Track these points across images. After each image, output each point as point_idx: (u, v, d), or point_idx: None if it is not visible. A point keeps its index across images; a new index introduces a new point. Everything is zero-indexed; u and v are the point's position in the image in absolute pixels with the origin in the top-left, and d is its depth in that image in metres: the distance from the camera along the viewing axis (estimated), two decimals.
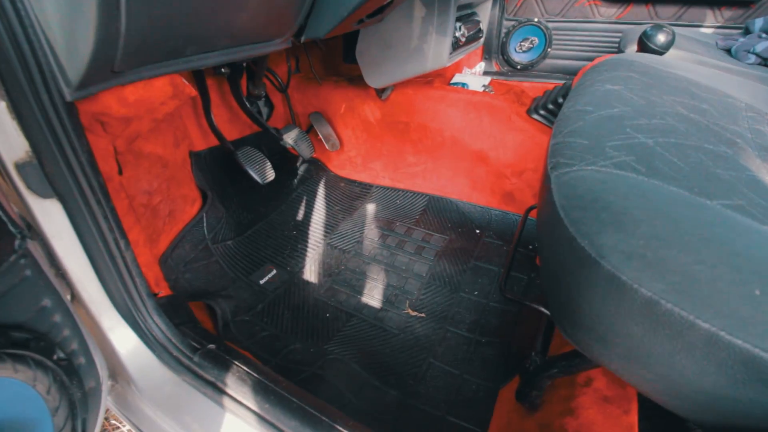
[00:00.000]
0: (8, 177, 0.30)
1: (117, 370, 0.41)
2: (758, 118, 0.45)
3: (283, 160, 0.89)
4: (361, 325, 0.64)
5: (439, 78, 0.95)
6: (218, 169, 0.77)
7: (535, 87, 1.37)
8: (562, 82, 1.27)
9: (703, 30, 1.13)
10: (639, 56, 0.52)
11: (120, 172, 0.49)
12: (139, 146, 0.56)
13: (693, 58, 0.77)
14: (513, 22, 1.35)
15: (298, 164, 0.94)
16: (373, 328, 0.63)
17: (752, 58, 0.87)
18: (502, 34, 1.38)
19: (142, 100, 0.46)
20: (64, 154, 0.31)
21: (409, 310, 0.66)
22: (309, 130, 0.96)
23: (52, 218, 0.32)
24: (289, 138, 0.79)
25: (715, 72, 0.52)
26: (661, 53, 0.71)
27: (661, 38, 0.72)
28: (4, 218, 0.25)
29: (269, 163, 0.74)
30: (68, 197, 0.32)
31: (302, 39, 0.48)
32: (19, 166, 0.30)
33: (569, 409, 0.37)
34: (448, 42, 0.69)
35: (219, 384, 0.39)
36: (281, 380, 0.40)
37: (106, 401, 0.36)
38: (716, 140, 0.35)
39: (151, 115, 0.50)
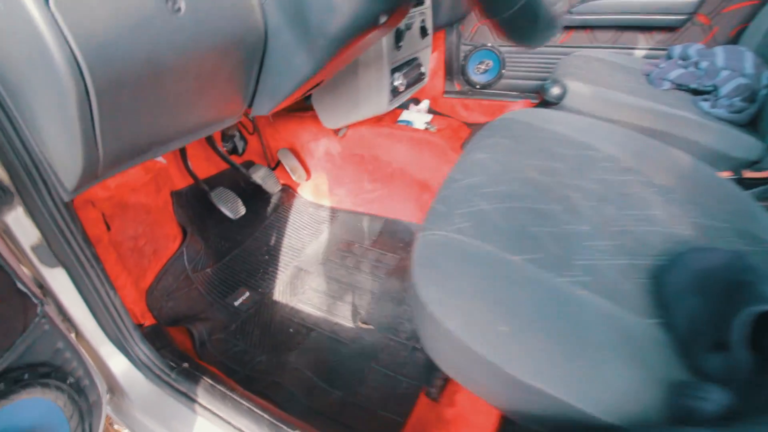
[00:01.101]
0: (26, 256, 0.42)
1: (113, 386, 0.53)
2: (612, 167, 0.56)
3: (257, 189, 1.01)
4: (318, 338, 0.76)
5: (389, 115, 1.08)
6: (197, 204, 0.89)
7: (494, 104, 1.49)
8: (518, 100, 1.39)
9: (637, 52, 1.24)
10: (523, 114, 0.64)
11: (108, 229, 0.62)
12: (125, 199, 0.68)
13: (597, 94, 0.88)
14: (470, 47, 1.46)
15: (272, 188, 1.06)
16: (328, 340, 0.76)
17: (666, 84, 0.99)
18: (461, 58, 1.50)
19: (121, 184, 0.59)
20: (64, 236, 0.43)
21: (360, 323, 0.78)
22: (278, 164, 1.08)
23: (58, 281, 0.44)
24: (257, 177, 0.92)
25: (591, 123, 0.64)
26: (555, 103, 0.83)
27: (554, 91, 0.84)
28: (29, 292, 0.37)
29: (240, 201, 0.87)
30: (69, 265, 0.44)
31: (251, 116, 0.60)
32: (34, 248, 0.42)
33: (452, 401, 0.50)
34: (385, 92, 0.81)
35: (190, 394, 0.51)
36: (238, 389, 0.53)
37: (106, 410, 0.49)
38: (549, 199, 0.47)
39: (129, 189, 0.62)
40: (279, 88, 0.54)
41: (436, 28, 1.06)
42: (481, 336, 0.36)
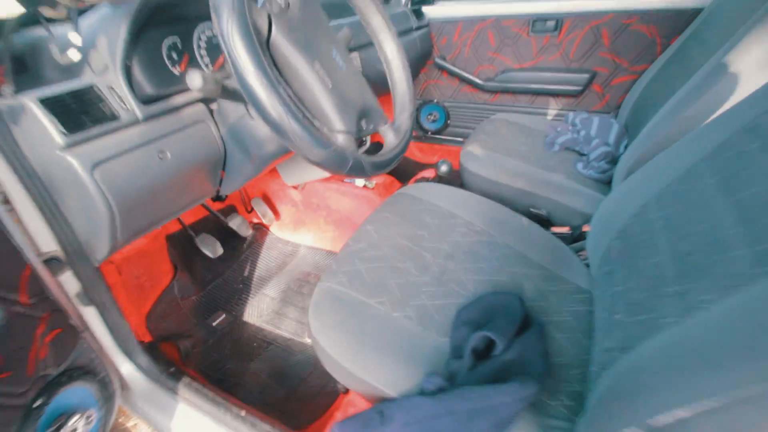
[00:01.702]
0: (71, 301, 0.68)
1: (123, 383, 0.78)
2: (466, 231, 0.81)
3: (235, 231, 1.27)
4: (275, 350, 1.01)
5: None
6: (186, 245, 1.15)
7: (443, 147, 1.76)
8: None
9: (549, 112, 1.51)
10: (413, 189, 0.89)
11: (120, 274, 0.87)
12: (131, 251, 0.94)
13: (490, 158, 1.13)
14: (420, 101, 1.74)
15: (245, 232, 1.32)
16: (282, 352, 1.01)
17: (557, 147, 1.24)
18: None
19: (132, 247, 0.84)
20: (95, 287, 0.69)
21: (307, 338, 1.04)
22: (251, 208, 1.35)
23: (91, 315, 0.70)
24: (233, 224, 1.18)
25: (462, 195, 0.89)
26: (444, 177, 1.10)
27: (443, 169, 1.10)
28: (75, 324, 0.63)
29: (218, 243, 1.12)
30: (97, 304, 0.70)
31: (222, 196, 0.86)
32: (77, 295, 0.68)
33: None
34: None
35: (176, 390, 0.76)
36: (210, 387, 0.78)
37: (119, 400, 0.74)
38: (406, 258, 0.72)
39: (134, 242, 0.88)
40: (236, 181, 0.81)
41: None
42: (344, 354, 0.61)
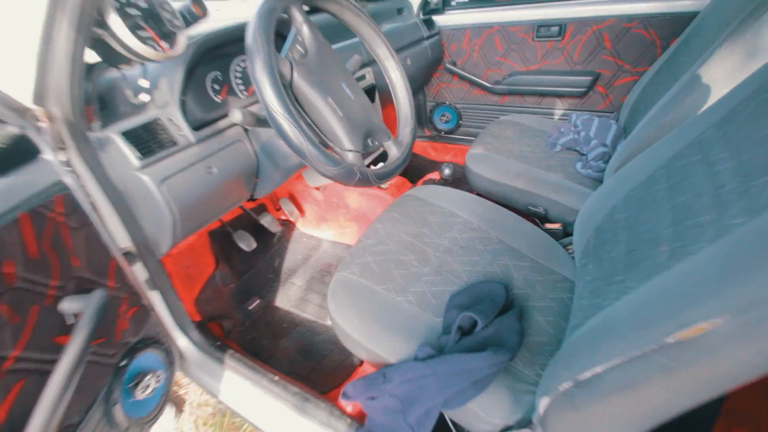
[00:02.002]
0: (142, 287, 0.85)
1: (181, 354, 0.96)
2: (464, 228, 0.93)
3: (266, 228, 1.44)
4: (301, 330, 1.17)
5: None
6: (225, 241, 1.32)
7: (456, 147, 1.86)
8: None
9: (555, 112, 1.58)
10: (419, 191, 1.01)
11: (174, 265, 1.05)
12: (182, 246, 1.12)
13: (492, 160, 1.23)
14: (433, 103, 1.84)
15: (275, 228, 1.48)
16: (308, 332, 1.17)
17: (558, 147, 1.32)
18: (428, 111, 1.88)
19: (183, 242, 1.02)
20: (158, 275, 0.86)
21: (329, 320, 1.19)
22: (279, 207, 1.51)
23: (156, 298, 0.87)
24: (264, 221, 1.34)
25: (462, 196, 1.00)
26: (448, 179, 1.20)
27: (446, 171, 1.21)
28: (147, 305, 0.80)
29: (252, 238, 1.29)
30: (161, 289, 0.87)
31: (255, 198, 1.01)
32: (146, 281, 0.85)
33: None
34: None
35: (221, 359, 0.93)
36: (249, 357, 0.94)
37: (178, 366, 0.91)
38: (409, 252, 0.85)
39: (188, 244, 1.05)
40: (267, 187, 0.96)
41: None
42: (356, 330, 0.75)
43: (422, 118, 1.91)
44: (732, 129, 0.54)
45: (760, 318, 0.33)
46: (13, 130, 0.55)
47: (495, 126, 1.42)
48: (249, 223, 1.39)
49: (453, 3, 1.60)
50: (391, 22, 1.50)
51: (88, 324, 0.56)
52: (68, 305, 0.58)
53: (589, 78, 1.44)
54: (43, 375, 0.55)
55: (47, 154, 0.60)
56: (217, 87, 0.83)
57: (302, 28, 0.68)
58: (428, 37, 1.55)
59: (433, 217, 0.95)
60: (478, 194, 1.18)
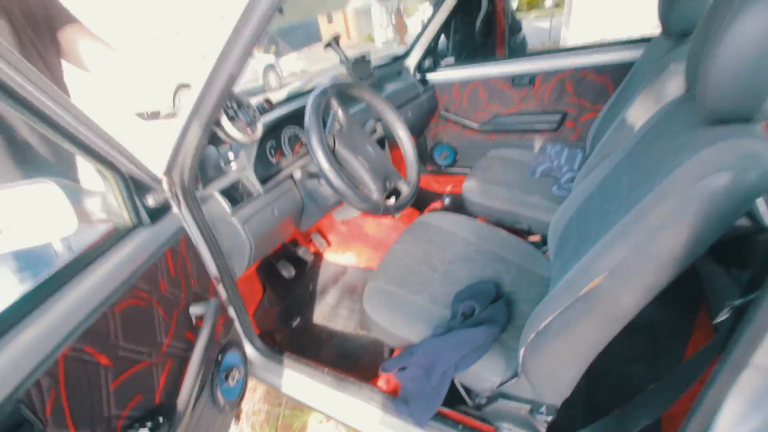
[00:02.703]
0: (223, 303, 1.12)
1: (247, 358, 1.22)
2: (463, 244, 1.20)
3: (301, 258, 1.72)
4: (337, 341, 1.42)
5: None
6: (271, 270, 1.60)
7: (455, 178, 2.16)
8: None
9: (535, 146, 1.88)
10: (427, 217, 1.30)
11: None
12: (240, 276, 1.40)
13: (484, 188, 1.51)
14: (432, 142, 2.16)
15: (308, 258, 1.77)
16: (342, 340, 1.42)
17: (537, 174, 1.61)
18: (429, 149, 2.20)
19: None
20: (234, 295, 1.13)
21: (360, 330, 1.44)
22: (310, 240, 1.80)
23: (234, 313, 1.14)
24: (300, 252, 1.63)
25: (460, 219, 1.28)
26: (448, 207, 1.49)
27: (447, 201, 1.50)
28: (230, 316, 1.07)
29: (291, 266, 1.57)
30: (235, 307, 1.14)
31: (302, 230, 1.30)
32: (226, 299, 1.12)
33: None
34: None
35: (280, 361, 1.18)
36: (297, 355, 1.19)
37: (247, 368, 1.16)
38: (422, 263, 1.11)
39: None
40: (309, 222, 1.25)
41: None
42: (387, 321, 1.00)
43: (424, 156, 2.22)
44: (632, 158, 0.82)
45: (621, 275, 0.59)
46: (160, 195, 0.85)
47: (484, 160, 1.72)
48: (286, 254, 1.67)
49: (442, 64, 1.96)
50: (393, 83, 1.85)
51: (210, 322, 0.83)
52: (194, 309, 0.86)
53: (559, 116, 1.75)
54: (181, 358, 0.81)
55: (174, 209, 0.90)
56: (273, 151, 1.15)
57: (338, 112, 1.00)
58: (424, 92, 1.89)
59: (438, 237, 1.23)
60: (474, 217, 1.46)
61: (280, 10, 0.68)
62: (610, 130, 1.22)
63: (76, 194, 0.75)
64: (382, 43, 13.85)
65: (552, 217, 1.38)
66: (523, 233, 1.42)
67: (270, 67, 9.09)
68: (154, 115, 7.55)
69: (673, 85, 0.96)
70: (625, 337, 1.29)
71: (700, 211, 0.52)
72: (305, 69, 11.08)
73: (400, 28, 2.04)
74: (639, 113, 1.10)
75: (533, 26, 12.01)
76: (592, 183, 0.97)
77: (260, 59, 9.15)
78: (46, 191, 0.65)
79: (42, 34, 0.86)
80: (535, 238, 1.34)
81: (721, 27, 0.52)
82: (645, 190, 0.64)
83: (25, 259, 0.83)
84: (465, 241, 1.22)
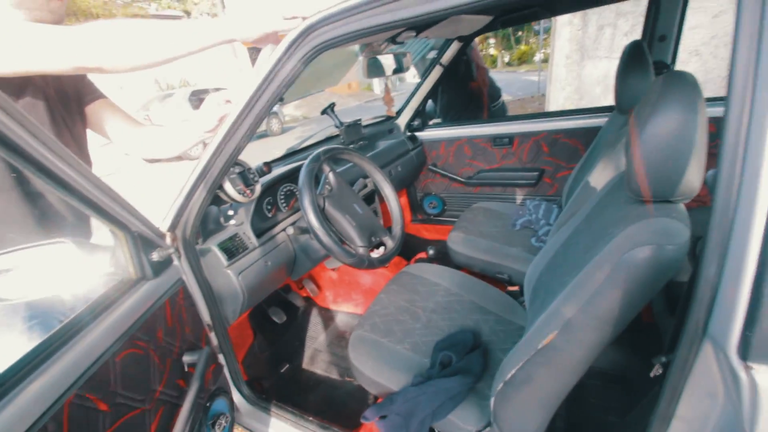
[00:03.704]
0: (213, 349, 1.17)
1: (234, 405, 1.24)
2: (445, 294, 1.27)
3: (292, 304, 1.77)
4: (324, 387, 1.45)
5: None
6: (262, 316, 1.65)
7: (443, 227, 2.26)
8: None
9: (517, 199, 2.01)
10: (412, 268, 1.38)
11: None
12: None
13: (466, 240, 1.61)
14: (422, 193, 2.29)
15: (299, 303, 1.82)
16: (329, 388, 1.44)
17: (518, 227, 1.71)
18: (418, 199, 2.32)
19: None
20: (225, 342, 1.18)
21: (346, 378, 1.47)
22: (302, 286, 1.86)
23: (223, 360, 1.19)
24: (291, 298, 1.69)
25: (444, 270, 1.37)
26: (432, 258, 1.58)
27: (431, 252, 1.60)
28: (218, 364, 1.12)
29: (283, 312, 1.62)
30: (226, 354, 1.19)
31: (293, 279, 1.37)
32: (217, 347, 1.17)
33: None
34: None
35: (267, 408, 1.21)
36: (283, 404, 1.22)
37: (233, 415, 1.19)
38: (404, 313, 1.18)
39: None
40: (300, 272, 1.33)
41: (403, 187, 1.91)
42: (370, 369, 1.05)
43: (414, 206, 2.34)
44: (589, 221, 0.93)
45: (570, 332, 0.67)
46: (165, 251, 0.94)
47: (469, 212, 1.83)
48: (278, 300, 1.73)
49: (430, 123, 2.13)
50: (384, 140, 2.00)
51: (201, 370, 0.89)
52: (187, 358, 0.92)
53: (537, 173, 1.89)
54: (172, 405, 0.86)
55: (175, 261, 0.98)
56: (269, 207, 1.25)
57: (329, 175, 1.11)
58: (413, 149, 2.05)
59: (422, 287, 1.31)
60: (459, 267, 1.54)
61: (281, 99, 0.81)
62: (577, 190, 1.34)
63: (87, 250, 0.83)
64: (380, 91, 14.65)
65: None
66: (504, 283, 1.50)
67: (273, 114, 9.55)
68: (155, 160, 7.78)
69: (624, 159, 1.09)
70: (602, 388, 1.33)
71: (628, 279, 0.61)
72: (306, 115, 11.60)
73: (388, 100, 2.29)
74: (600, 178, 1.22)
75: (524, 79, 12.79)
76: (559, 240, 1.06)
77: None
78: (63, 249, 0.74)
79: (71, 108, 0.98)
80: (515, 288, 1.42)
81: (640, 125, 0.64)
82: (592, 255, 0.73)
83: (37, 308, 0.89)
84: (447, 291, 1.29)
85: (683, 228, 0.60)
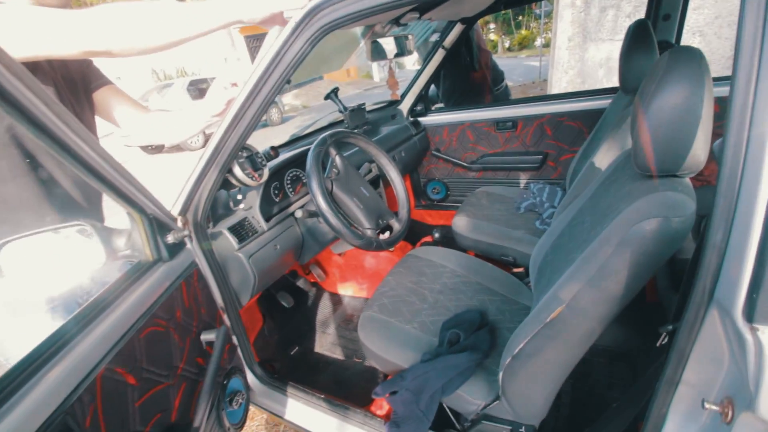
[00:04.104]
0: (229, 331, 1.20)
1: (248, 384, 1.28)
2: (451, 275, 1.29)
3: (300, 288, 1.80)
4: (334, 368, 1.48)
5: None
6: (271, 300, 1.68)
7: (446, 213, 2.28)
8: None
9: (521, 183, 2.02)
10: (418, 251, 1.40)
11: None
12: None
13: (471, 223, 1.63)
14: (425, 179, 2.30)
15: (307, 288, 1.85)
16: (339, 368, 1.48)
17: (522, 210, 1.73)
18: (422, 185, 2.33)
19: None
20: (238, 324, 1.21)
21: (355, 359, 1.50)
22: (309, 271, 1.89)
23: (235, 341, 1.22)
24: (299, 283, 1.71)
25: (450, 252, 1.39)
26: (438, 241, 1.60)
27: (436, 235, 1.62)
28: (234, 344, 1.15)
29: (290, 296, 1.65)
30: (238, 335, 1.22)
31: (301, 263, 1.40)
32: (231, 328, 1.20)
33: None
34: None
35: (274, 386, 1.25)
36: (295, 383, 1.26)
37: (249, 393, 1.22)
38: (411, 294, 1.20)
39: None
40: (308, 256, 1.35)
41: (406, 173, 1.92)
42: (380, 348, 1.08)
43: (418, 191, 2.35)
44: (594, 200, 0.94)
45: (577, 305, 0.69)
46: (179, 233, 0.96)
47: (473, 196, 1.84)
48: (285, 284, 1.76)
49: (432, 108, 2.13)
50: (388, 125, 2.01)
51: (219, 348, 0.91)
52: (206, 336, 0.94)
53: (540, 156, 1.90)
54: (193, 381, 0.89)
55: (188, 244, 1.00)
56: (276, 191, 1.26)
57: (336, 158, 1.12)
58: (416, 134, 2.05)
59: (428, 269, 1.33)
60: (464, 250, 1.56)
61: (288, 81, 0.81)
62: (581, 171, 1.35)
63: (104, 233, 0.85)
64: (379, 79, 14.46)
65: (533, 249, 1.49)
66: (509, 265, 1.52)
67: (273, 103, 9.50)
68: (158, 149, 7.78)
69: (629, 138, 1.10)
70: (606, 365, 1.36)
71: (636, 251, 0.63)
72: (306, 104, 11.50)
73: (392, 83, 2.27)
74: (604, 158, 1.23)
75: (525, 65, 12.63)
76: (564, 220, 1.08)
77: None
78: (81, 231, 0.76)
79: (79, 94, 0.99)
80: (520, 270, 1.44)
81: (646, 100, 0.65)
82: (598, 232, 0.75)
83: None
84: (453, 273, 1.32)
85: (689, 201, 0.62)
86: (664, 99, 0.62)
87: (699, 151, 0.63)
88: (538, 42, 9.30)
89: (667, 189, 0.65)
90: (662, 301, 1.23)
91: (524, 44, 17.74)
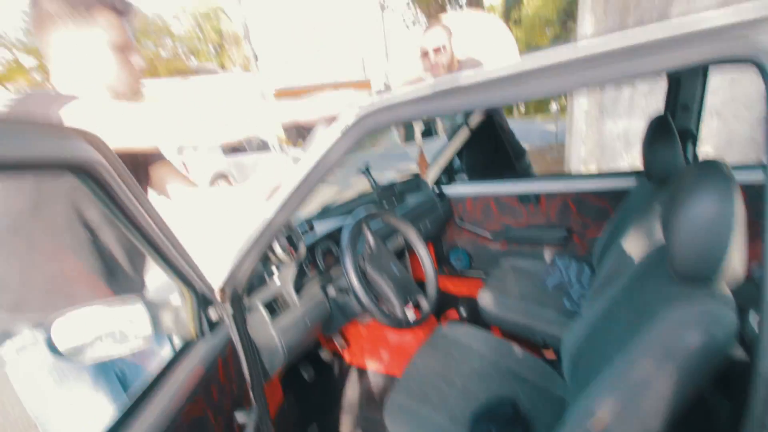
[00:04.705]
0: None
1: None
2: (479, 359, 1.26)
3: (321, 358, 1.77)
4: None
5: None
6: (291, 372, 1.65)
7: (470, 281, 2.26)
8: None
9: (546, 258, 2.01)
10: (445, 330, 1.39)
11: None
12: None
13: (496, 299, 1.61)
14: (448, 247, 2.32)
15: (328, 358, 1.82)
16: None
17: (550, 287, 1.71)
18: (445, 252, 2.35)
19: None
20: (260, 399, 1.19)
21: None
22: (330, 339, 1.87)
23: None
24: (322, 355, 1.69)
25: (473, 332, 1.36)
26: (463, 317, 1.59)
27: (462, 312, 1.61)
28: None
29: (312, 370, 1.63)
30: (260, 412, 1.19)
31: (327, 335, 1.40)
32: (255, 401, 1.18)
33: None
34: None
35: None
36: None
37: None
38: (441, 379, 1.17)
39: None
40: (335, 328, 1.36)
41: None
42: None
43: (440, 259, 2.37)
44: (629, 294, 0.93)
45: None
46: (220, 309, 0.99)
47: (499, 270, 1.84)
48: (308, 354, 1.74)
49: (455, 179, 2.22)
50: (413, 195, 2.08)
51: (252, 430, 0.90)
52: (239, 417, 0.94)
53: (565, 231, 1.91)
54: None
55: (226, 320, 1.03)
56: (308, 265, 1.31)
57: (368, 237, 1.18)
58: (441, 205, 2.12)
59: (456, 351, 1.30)
60: (489, 325, 1.53)
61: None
62: (611, 257, 1.34)
63: (154, 309, 0.90)
64: (399, 142, 15.28)
65: (565, 331, 1.45)
66: (538, 345, 1.48)
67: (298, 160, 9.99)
68: None
69: (658, 228, 1.11)
70: None
71: (679, 368, 0.62)
72: None
73: (423, 165, 2.48)
74: (634, 245, 1.24)
75: (540, 129, 13.07)
76: (598, 310, 1.06)
77: (290, 152, 10.15)
78: (134, 310, 0.80)
79: (139, 168, 1.10)
80: (550, 353, 1.39)
81: (678, 208, 0.68)
82: (635, 333, 0.74)
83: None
84: (482, 356, 1.29)
85: (729, 312, 0.62)
86: (696, 213, 0.65)
87: (735, 260, 0.64)
88: (554, 107, 9.69)
89: (706, 297, 0.65)
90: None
91: (539, 108, 18.50)
